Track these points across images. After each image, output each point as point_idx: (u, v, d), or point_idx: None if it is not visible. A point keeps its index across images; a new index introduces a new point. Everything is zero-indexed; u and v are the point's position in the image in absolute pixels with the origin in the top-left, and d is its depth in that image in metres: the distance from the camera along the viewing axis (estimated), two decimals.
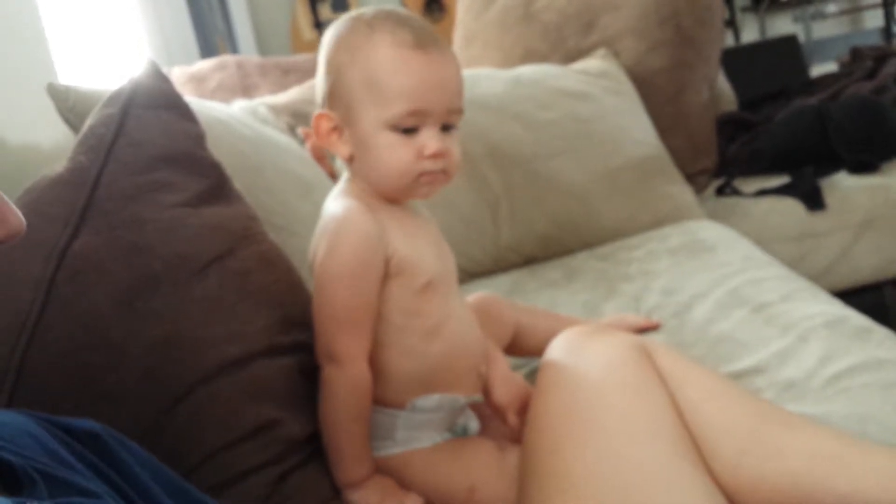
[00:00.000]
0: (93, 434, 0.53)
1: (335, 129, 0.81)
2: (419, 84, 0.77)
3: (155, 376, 0.70)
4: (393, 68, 0.76)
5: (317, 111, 0.82)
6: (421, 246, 0.83)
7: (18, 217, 0.43)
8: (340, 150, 0.81)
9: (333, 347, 0.78)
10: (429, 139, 0.78)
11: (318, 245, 0.80)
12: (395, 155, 0.78)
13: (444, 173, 0.80)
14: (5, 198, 0.43)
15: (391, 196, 0.83)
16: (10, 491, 0.43)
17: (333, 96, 0.80)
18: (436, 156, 0.78)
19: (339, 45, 0.80)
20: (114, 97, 0.88)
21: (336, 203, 0.82)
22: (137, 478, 0.52)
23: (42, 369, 0.68)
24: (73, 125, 1.03)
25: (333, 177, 1.56)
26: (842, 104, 1.93)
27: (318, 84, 0.83)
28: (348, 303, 0.78)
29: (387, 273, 0.80)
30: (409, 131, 0.78)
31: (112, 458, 0.53)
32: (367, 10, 0.82)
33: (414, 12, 3.58)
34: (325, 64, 0.81)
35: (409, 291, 0.81)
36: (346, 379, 0.78)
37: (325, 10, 3.43)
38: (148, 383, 0.70)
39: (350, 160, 0.82)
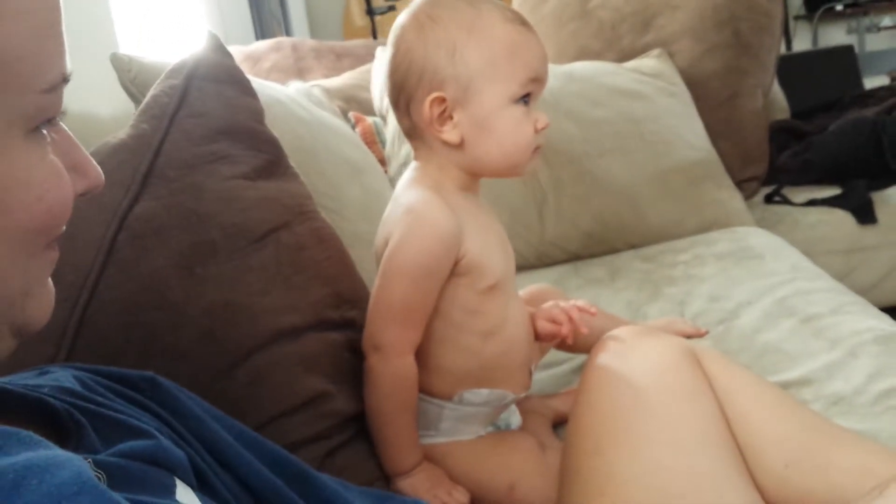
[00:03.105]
0: (148, 378, 0.54)
1: (443, 113, 0.77)
2: (536, 54, 0.78)
3: (214, 338, 0.71)
4: (514, 43, 0.76)
5: (430, 96, 0.76)
6: (491, 245, 0.82)
7: (97, 171, 0.45)
8: (450, 135, 0.78)
9: (381, 338, 0.77)
10: (540, 113, 0.79)
11: (389, 233, 0.79)
12: (520, 131, 0.78)
13: (542, 145, 0.82)
14: (86, 152, 0.44)
15: (499, 174, 0.83)
16: (59, 437, 0.43)
17: (447, 78, 0.76)
18: (545, 128, 0.79)
19: (445, 25, 0.76)
20: (177, 69, 0.89)
21: (412, 193, 0.79)
22: (199, 418, 0.52)
23: (102, 326, 0.70)
24: (134, 95, 1.04)
25: (383, 162, 1.56)
26: None
27: (412, 68, 0.77)
28: (409, 298, 0.77)
29: (454, 272, 0.78)
30: (526, 102, 0.78)
31: (169, 398, 0.53)
32: None
33: None
34: (431, 46, 0.76)
35: (473, 291, 0.80)
36: (389, 371, 0.77)
37: None
38: (207, 344, 0.71)
39: (458, 145, 0.78)
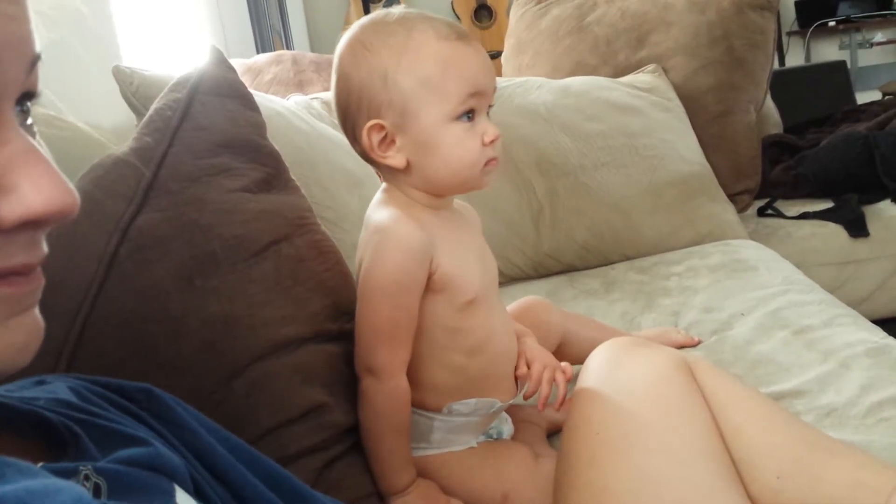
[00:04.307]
0: (145, 389, 0.53)
1: (385, 139, 0.77)
2: (474, 68, 0.76)
3: (213, 350, 0.72)
4: (447, 61, 0.75)
5: (368, 123, 0.76)
6: (466, 259, 0.81)
7: (46, 197, 0.37)
8: (395, 160, 0.77)
9: (373, 360, 0.78)
10: (487, 125, 0.78)
11: (363, 256, 0.79)
12: (464, 147, 0.77)
13: (497, 157, 0.80)
14: (39, 171, 0.37)
15: (455, 192, 0.82)
16: (55, 449, 0.43)
17: (382, 104, 0.76)
18: (494, 140, 0.78)
19: (377, 50, 0.76)
20: (180, 82, 0.90)
21: (380, 213, 0.79)
22: (195, 431, 0.51)
23: (102, 337, 0.70)
24: (136, 108, 1.06)
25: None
26: (890, 133, 1.91)
27: (350, 96, 0.77)
28: (391, 316, 0.77)
29: (429, 287, 0.78)
30: (469, 118, 0.76)
31: (166, 410, 0.52)
32: (381, 14, 0.79)
33: (464, 18, 3.61)
34: (364, 73, 0.76)
35: (451, 308, 0.80)
36: (384, 392, 0.78)
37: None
38: (206, 356, 0.71)
39: (405, 168, 0.78)
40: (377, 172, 0.84)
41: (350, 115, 0.78)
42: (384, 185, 0.84)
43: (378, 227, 0.78)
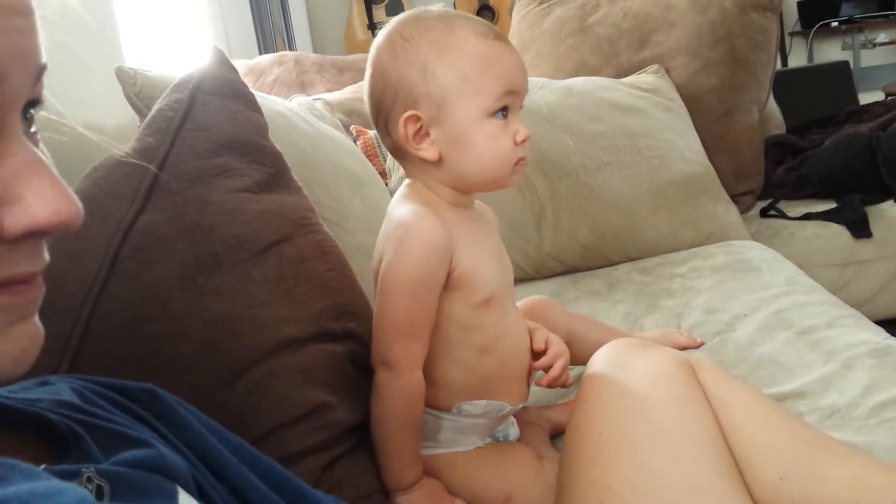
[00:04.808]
0: (148, 390, 0.53)
1: (419, 131, 0.78)
2: (510, 67, 0.78)
3: (215, 349, 0.72)
4: (486, 58, 0.77)
5: (404, 114, 0.77)
6: (483, 259, 0.82)
7: (53, 208, 0.37)
8: (428, 152, 0.79)
9: (390, 354, 0.78)
10: (519, 125, 0.79)
11: (383, 250, 0.79)
12: (497, 144, 0.78)
13: (526, 157, 0.81)
14: (45, 182, 0.37)
15: (483, 189, 0.83)
16: (58, 451, 0.43)
17: (420, 96, 0.77)
18: (525, 140, 0.79)
19: (417, 44, 0.77)
20: (182, 83, 0.90)
21: (403, 208, 0.80)
22: (197, 431, 0.52)
23: (104, 338, 0.70)
24: (138, 108, 1.06)
25: (384, 175, 1.58)
26: (893, 134, 1.91)
27: (387, 88, 0.79)
28: (410, 312, 0.77)
29: (447, 285, 0.79)
30: (503, 115, 0.78)
31: (168, 411, 0.52)
32: (420, 11, 0.81)
33: None
34: (402, 65, 0.77)
35: (466, 306, 0.80)
36: (399, 386, 0.78)
37: (379, 13, 3.53)
38: (208, 355, 0.71)
39: (437, 162, 0.79)
40: (402, 165, 0.85)
41: (385, 107, 0.79)
42: (408, 180, 0.85)
43: (401, 223, 0.78)
